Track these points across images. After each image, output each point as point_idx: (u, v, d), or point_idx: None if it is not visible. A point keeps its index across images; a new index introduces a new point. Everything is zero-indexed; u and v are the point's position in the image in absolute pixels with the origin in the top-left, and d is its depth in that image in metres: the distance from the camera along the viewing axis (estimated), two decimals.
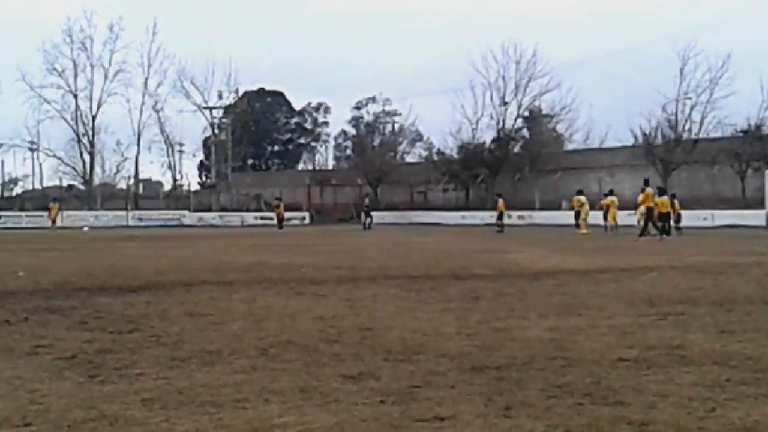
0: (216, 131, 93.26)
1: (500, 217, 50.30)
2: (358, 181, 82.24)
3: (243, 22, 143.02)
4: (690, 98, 68.13)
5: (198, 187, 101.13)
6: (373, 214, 75.05)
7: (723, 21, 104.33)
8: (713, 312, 11.33)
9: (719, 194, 47.09)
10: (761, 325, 10.11)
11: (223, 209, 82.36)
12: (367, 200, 60.81)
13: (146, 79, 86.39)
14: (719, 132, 66.67)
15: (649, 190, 36.67)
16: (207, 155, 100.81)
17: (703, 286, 14.97)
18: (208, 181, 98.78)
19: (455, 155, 79.53)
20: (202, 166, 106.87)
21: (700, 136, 67.24)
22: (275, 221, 60.62)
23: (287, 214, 66.00)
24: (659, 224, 35.90)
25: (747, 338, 9.12)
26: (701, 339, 9.06)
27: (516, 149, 78.66)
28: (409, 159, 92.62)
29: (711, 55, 66.73)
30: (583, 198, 46.47)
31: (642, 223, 36.99)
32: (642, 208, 37.46)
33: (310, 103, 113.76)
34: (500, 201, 51.59)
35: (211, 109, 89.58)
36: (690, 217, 46.36)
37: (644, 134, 68.87)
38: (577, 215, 46.05)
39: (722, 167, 61.40)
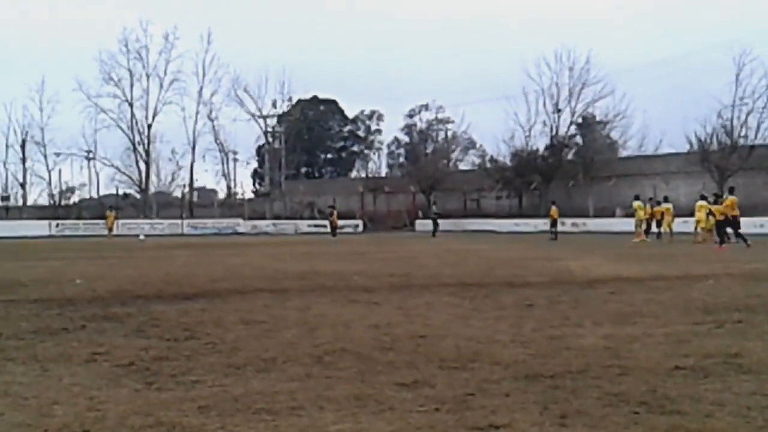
0: (270, 139, 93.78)
1: (554, 224, 50.43)
2: (411, 189, 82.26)
3: (296, 30, 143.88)
4: (746, 104, 67.43)
5: (252, 195, 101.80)
6: (427, 221, 75.29)
7: None
8: None
9: None
10: None
11: (277, 217, 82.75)
12: (434, 207, 60.70)
13: (201, 88, 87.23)
14: None
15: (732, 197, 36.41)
16: (261, 163, 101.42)
17: (761, 293, 14.79)
18: (262, 189, 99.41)
19: (508, 162, 79.33)
20: (255, 174, 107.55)
21: (757, 142, 66.47)
22: (329, 229, 60.75)
23: (340, 222, 66.14)
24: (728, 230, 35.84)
25: None
26: (759, 347, 8.96)
27: (569, 156, 78.23)
28: (462, 166, 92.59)
29: (767, 61, 65.95)
30: (637, 203, 46.23)
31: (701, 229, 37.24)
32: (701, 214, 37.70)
33: (363, 111, 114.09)
34: (553, 208, 51.85)
35: (265, 117, 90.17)
36: (747, 224, 45.68)
37: (699, 141, 68.22)
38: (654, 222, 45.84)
39: None
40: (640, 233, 44.43)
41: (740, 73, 67.61)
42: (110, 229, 58.39)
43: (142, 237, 57.87)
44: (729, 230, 36.15)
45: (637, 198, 47.78)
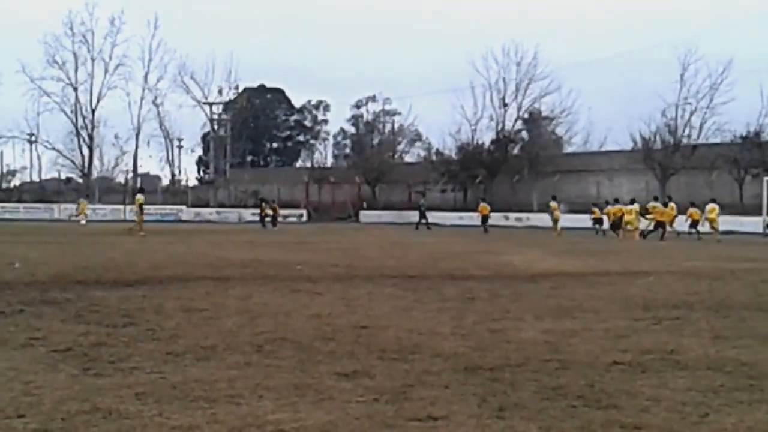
0: (215, 127, 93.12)
1: (484, 220, 51.56)
2: (356, 180, 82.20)
3: (244, 18, 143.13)
4: (690, 103, 68.09)
5: (196, 183, 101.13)
6: (371, 213, 75.28)
7: (724, 27, 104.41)
8: (708, 317, 11.34)
9: (717, 200, 47.11)
10: (756, 331, 10.13)
11: (221, 205, 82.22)
12: (422, 200, 60.50)
13: (146, 74, 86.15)
14: (718, 138, 66.50)
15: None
16: (206, 151, 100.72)
17: (699, 291, 14.98)
18: (207, 176, 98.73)
19: (454, 156, 79.40)
20: (200, 162, 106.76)
21: (699, 141, 67.11)
22: (259, 220, 59.49)
23: (283, 212, 65.85)
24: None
25: (742, 344, 9.13)
26: (696, 344, 9.07)
27: (515, 151, 78.47)
28: (407, 159, 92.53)
29: (711, 61, 66.66)
30: (553, 204, 48.85)
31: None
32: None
33: (310, 101, 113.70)
34: (483, 204, 53.20)
35: (210, 104, 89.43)
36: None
37: (643, 139, 68.79)
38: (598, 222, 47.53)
39: (720, 173, 61.36)
40: (557, 230, 46.52)
41: (685, 73, 68.33)
42: (83, 214, 58.21)
43: (83, 222, 57.11)
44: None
45: (554, 198, 50.50)
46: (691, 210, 43.97)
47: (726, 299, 13.68)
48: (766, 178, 54.08)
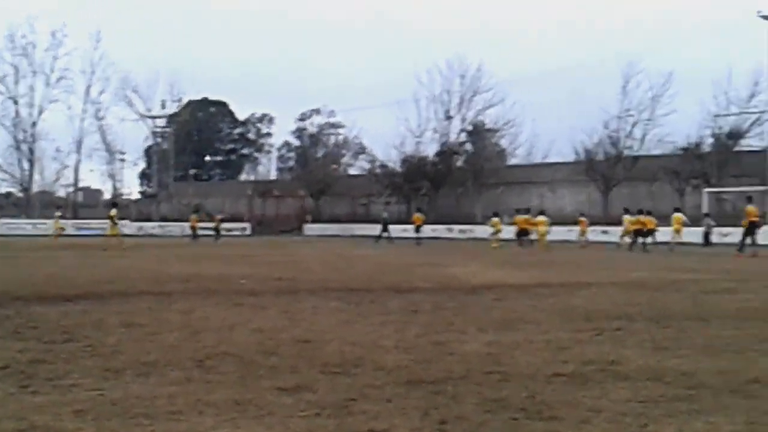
0: (158, 140, 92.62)
1: (418, 229, 52.00)
2: (300, 193, 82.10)
3: (187, 31, 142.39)
4: (632, 115, 68.91)
5: (139, 196, 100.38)
6: (315, 226, 75.15)
7: (665, 41, 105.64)
8: (649, 328, 11.43)
9: (659, 211, 47.71)
10: (696, 341, 10.22)
11: (164, 219, 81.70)
12: (385, 213, 60.11)
13: (88, 87, 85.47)
14: (660, 149, 67.43)
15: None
16: (149, 164, 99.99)
17: (640, 302, 15.09)
18: (149, 190, 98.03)
19: (398, 168, 79.60)
20: (143, 176, 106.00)
21: (641, 153, 67.95)
22: (191, 233, 58.66)
23: (227, 225, 65.55)
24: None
25: (682, 354, 9.21)
26: (637, 355, 9.14)
27: (459, 163, 78.81)
28: (352, 171, 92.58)
29: (653, 74, 67.51)
30: (495, 220, 50.11)
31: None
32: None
33: (254, 114, 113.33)
34: (417, 215, 53.51)
35: (153, 118, 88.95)
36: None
37: (586, 150, 69.53)
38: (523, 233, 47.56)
39: (662, 184, 62.15)
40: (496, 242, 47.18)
41: (627, 85, 69.13)
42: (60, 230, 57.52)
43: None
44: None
45: (495, 215, 51.56)
46: (645, 218, 44.56)
47: (667, 310, 13.80)
48: (705, 190, 54.94)
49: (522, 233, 46.91)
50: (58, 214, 61.37)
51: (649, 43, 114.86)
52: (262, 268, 24.68)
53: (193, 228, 57.04)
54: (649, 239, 43.11)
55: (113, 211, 43.50)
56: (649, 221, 44.09)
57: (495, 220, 50.17)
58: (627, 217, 45.97)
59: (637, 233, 43.48)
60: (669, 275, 22.32)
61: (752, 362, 8.78)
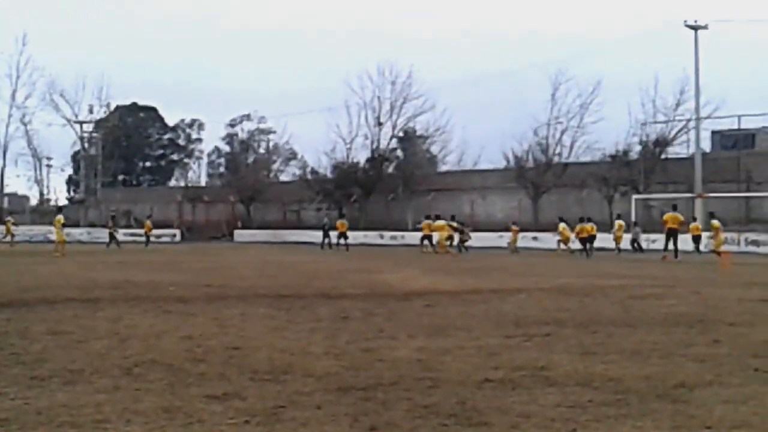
0: (86, 146, 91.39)
1: (342, 236, 52.08)
2: (230, 199, 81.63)
3: (116, 36, 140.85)
4: (561, 123, 69.48)
5: (66, 202, 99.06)
6: (246, 232, 74.76)
7: (594, 48, 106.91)
8: (578, 333, 11.54)
9: (590, 218, 48.39)
10: (623, 346, 10.34)
11: (92, 225, 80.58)
12: (326, 219, 59.51)
13: (14, 91, 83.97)
14: (588, 156, 68.06)
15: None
16: (76, 170, 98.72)
17: (569, 307, 15.24)
18: (77, 196, 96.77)
19: (329, 174, 79.45)
20: (70, 181, 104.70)
21: (570, 160, 68.55)
22: (108, 239, 57.88)
23: (156, 231, 65.00)
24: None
25: (609, 360, 9.31)
26: (565, 360, 9.22)
27: (390, 170, 78.85)
28: (282, 177, 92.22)
29: (582, 81, 68.15)
30: (441, 222, 49.03)
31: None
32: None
33: (183, 120, 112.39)
34: (341, 221, 53.44)
35: (81, 123, 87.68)
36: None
37: (516, 157, 69.98)
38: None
39: (591, 191, 62.76)
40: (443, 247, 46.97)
41: (556, 92, 69.71)
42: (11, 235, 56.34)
43: None
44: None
45: (427, 217, 50.55)
46: (585, 225, 45.09)
47: (595, 315, 13.96)
48: (634, 196, 55.65)
49: (426, 237, 47.63)
50: (10, 219, 60.46)
51: (578, 51, 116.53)
52: (192, 274, 24.50)
53: (112, 235, 56.43)
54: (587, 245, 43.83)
55: (59, 218, 43.04)
56: (591, 228, 44.71)
57: (425, 223, 50.08)
58: (563, 225, 46.40)
59: (583, 240, 44.06)
60: (598, 281, 22.56)
61: (678, 367, 8.90)
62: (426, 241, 47.32)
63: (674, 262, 33.94)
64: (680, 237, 39.23)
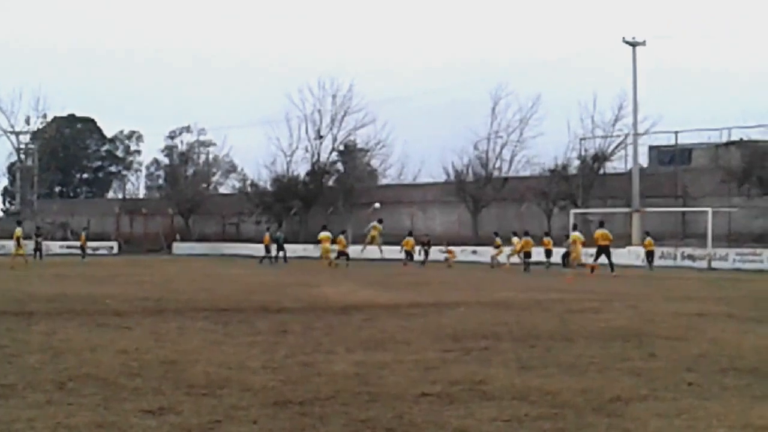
0: (22, 157, 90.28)
1: (267, 249, 51.89)
2: (169, 211, 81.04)
3: (53, 46, 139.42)
4: (501, 137, 69.81)
5: (1, 214, 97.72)
6: (184, 245, 74.23)
7: (534, 63, 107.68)
8: (516, 347, 11.59)
9: (528, 232, 48.65)
10: (560, 360, 10.39)
11: (27, 237, 79.64)
12: (279, 233, 58.44)
13: None
14: (528, 171, 68.48)
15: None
16: (11, 182, 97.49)
17: (507, 321, 15.29)
18: (12, 208, 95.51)
19: (269, 187, 79.15)
20: (6, 193, 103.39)
21: (510, 174, 68.96)
22: (35, 253, 57.04)
23: (93, 244, 64.36)
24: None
25: (546, 374, 9.35)
26: (503, 374, 9.25)
27: (330, 183, 78.82)
28: (222, 190, 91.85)
29: (522, 96, 68.60)
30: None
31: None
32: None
33: (122, 131, 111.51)
34: (271, 234, 53.39)
35: (17, 134, 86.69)
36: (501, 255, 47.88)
37: (456, 171, 70.17)
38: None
39: (530, 205, 63.10)
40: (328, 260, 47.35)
41: (496, 107, 70.07)
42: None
43: None
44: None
45: (342, 232, 52.31)
46: (527, 239, 45.33)
47: (533, 329, 14.02)
48: (572, 210, 56.06)
49: (342, 254, 48.51)
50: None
51: (519, 66, 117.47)
52: (129, 287, 24.26)
53: (38, 249, 55.88)
54: (527, 259, 44.14)
55: (18, 231, 42.63)
56: (528, 242, 44.96)
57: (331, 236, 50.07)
58: (516, 239, 46.63)
59: (527, 254, 44.35)
60: (536, 295, 22.68)
61: (614, 381, 8.96)
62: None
63: (611, 277, 34.20)
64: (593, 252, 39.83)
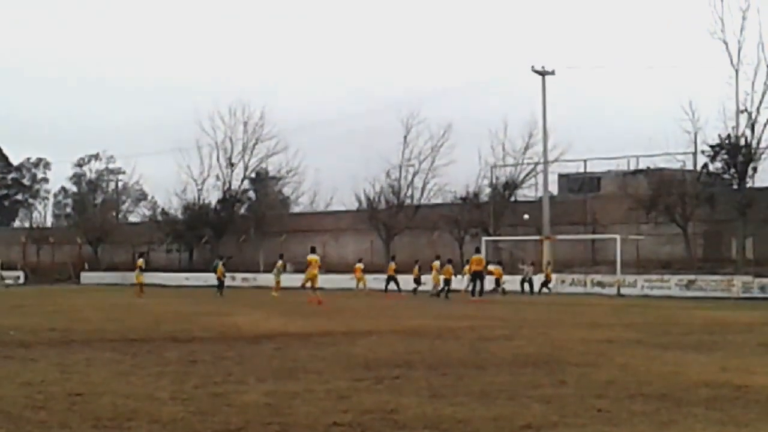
0: None
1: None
2: (77, 240, 79.87)
3: None
4: (413, 165, 70.23)
5: None
6: (93, 274, 73.16)
7: (445, 91, 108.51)
8: (428, 375, 11.59)
9: (440, 258, 49.01)
10: (472, 388, 10.41)
11: None
12: (224, 259, 56.51)
13: None
14: (440, 198, 68.99)
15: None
16: None
17: (420, 349, 15.31)
18: None
19: (180, 215, 78.53)
20: None
21: (422, 202, 69.36)
22: None
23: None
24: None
25: (458, 402, 9.35)
26: (415, 403, 9.22)
27: (242, 211, 78.51)
28: (132, 218, 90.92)
29: (433, 124, 69.05)
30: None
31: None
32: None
33: (29, 159, 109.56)
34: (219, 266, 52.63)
35: None
36: (410, 282, 47.92)
37: (368, 199, 70.35)
38: None
39: (442, 233, 63.45)
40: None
41: (408, 135, 70.43)
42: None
43: None
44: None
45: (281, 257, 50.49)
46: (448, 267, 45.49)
47: (445, 357, 14.06)
48: (484, 238, 56.50)
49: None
50: None
51: (430, 94, 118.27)
52: (35, 318, 23.80)
53: None
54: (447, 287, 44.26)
55: None
56: (448, 270, 45.05)
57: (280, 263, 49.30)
58: (436, 264, 46.63)
59: (447, 281, 44.40)
60: (448, 323, 22.76)
61: (525, 408, 9.00)
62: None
63: (524, 303, 34.50)
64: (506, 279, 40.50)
